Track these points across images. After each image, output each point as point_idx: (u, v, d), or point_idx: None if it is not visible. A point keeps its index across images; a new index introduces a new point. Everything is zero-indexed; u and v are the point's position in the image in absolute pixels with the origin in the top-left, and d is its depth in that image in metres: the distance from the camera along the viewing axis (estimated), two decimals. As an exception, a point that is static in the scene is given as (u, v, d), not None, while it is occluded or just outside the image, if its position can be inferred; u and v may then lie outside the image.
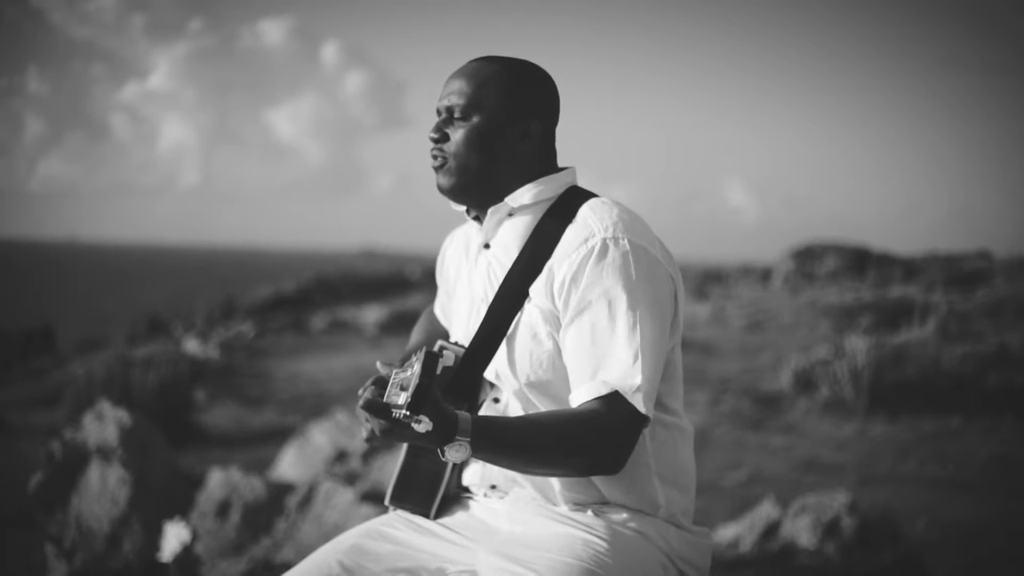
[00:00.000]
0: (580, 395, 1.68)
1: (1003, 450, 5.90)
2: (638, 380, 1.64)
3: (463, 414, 1.55)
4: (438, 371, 1.50)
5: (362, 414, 1.60)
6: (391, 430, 1.53)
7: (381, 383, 1.68)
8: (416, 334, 2.20)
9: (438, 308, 2.18)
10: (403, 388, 1.52)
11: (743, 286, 16.90)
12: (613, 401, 1.64)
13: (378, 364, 1.75)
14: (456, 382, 1.82)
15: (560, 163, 1.89)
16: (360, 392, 1.72)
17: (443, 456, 1.56)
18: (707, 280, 18.07)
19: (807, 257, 16.96)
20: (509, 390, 1.80)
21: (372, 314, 14.94)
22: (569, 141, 1.89)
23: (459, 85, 1.80)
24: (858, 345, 7.10)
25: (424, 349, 1.52)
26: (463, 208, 1.89)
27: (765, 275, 17.65)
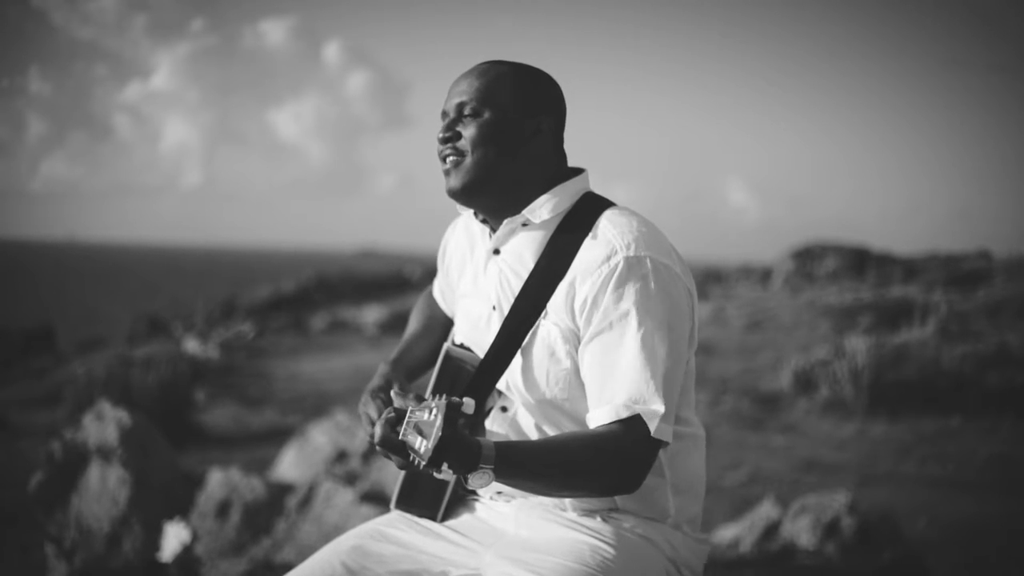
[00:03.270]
0: (600, 416, 1.66)
1: (1003, 450, 5.90)
2: (660, 406, 1.62)
3: (486, 442, 1.53)
4: (460, 421, 1.47)
5: (378, 443, 1.55)
6: (408, 467, 1.52)
7: (399, 414, 1.56)
8: (415, 320, 2.16)
9: (437, 292, 2.14)
10: (421, 433, 1.47)
11: (743, 286, 16.89)
12: (633, 424, 1.63)
13: (393, 393, 1.74)
14: (468, 392, 1.79)
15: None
16: (370, 418, 1.74)
17: (466, 483, 1.54)
18: (707, 280, 18.06)
19: (807, 257, 16.96)
20: (519, 401, 1.79)
21: (372, 314, 14.95)
22: (570, 141, 1.88)
23: (469, 84, 1.77)
24: (858, 345, 7.10)
25: (445, 398, 1.47)
26: (470, 211, 1.85)
27: (765, 275, 17.66)
